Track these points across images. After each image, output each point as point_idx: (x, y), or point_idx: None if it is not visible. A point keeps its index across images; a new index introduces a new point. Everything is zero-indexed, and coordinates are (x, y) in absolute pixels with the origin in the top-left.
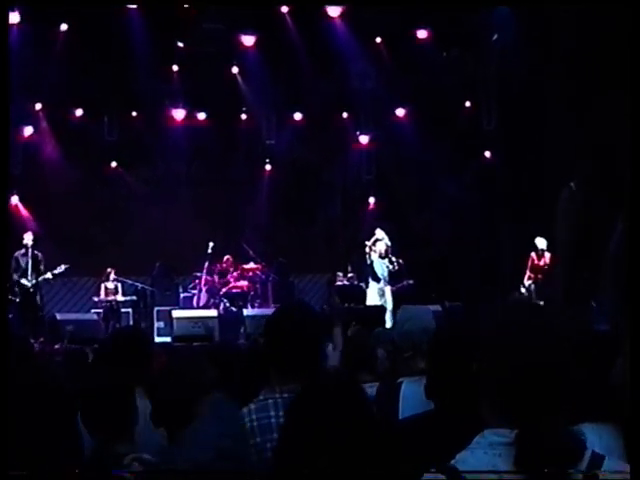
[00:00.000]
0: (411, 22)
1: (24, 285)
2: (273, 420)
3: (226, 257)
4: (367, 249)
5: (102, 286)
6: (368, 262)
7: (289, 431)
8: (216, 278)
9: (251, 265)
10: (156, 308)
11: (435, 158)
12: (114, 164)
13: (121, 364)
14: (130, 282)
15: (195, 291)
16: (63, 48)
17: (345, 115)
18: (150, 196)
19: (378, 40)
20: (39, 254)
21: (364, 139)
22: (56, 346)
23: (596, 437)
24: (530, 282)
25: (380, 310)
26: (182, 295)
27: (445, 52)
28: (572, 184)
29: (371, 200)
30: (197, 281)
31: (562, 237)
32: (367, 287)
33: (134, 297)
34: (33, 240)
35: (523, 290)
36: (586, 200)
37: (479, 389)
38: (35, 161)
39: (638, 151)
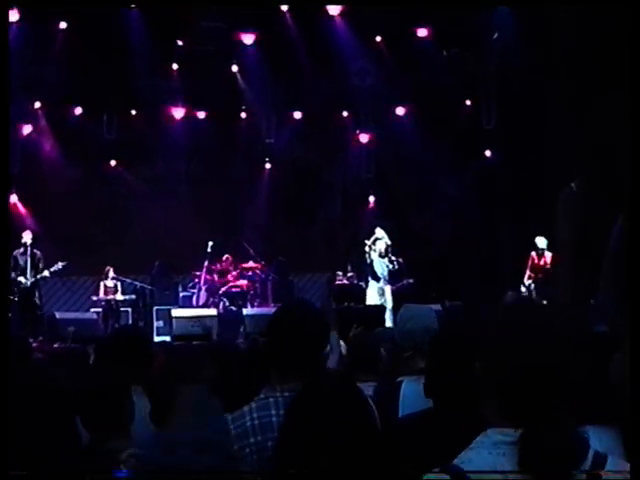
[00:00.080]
0: (411, 21)
1: (22, 284)
2: (274, 419)
3: (225, 256)
4: (367, 248)
5: (101, 285)
6: (368, 261)
7: (289, 430)
8: (216, 277)
9: (250, 264)
10: (155, 307)
11: (435, 157)
12: (113, 163)
13: (121, 363)
14: (129, 281)
15: (194, 290)
16: (62, 46)
17: (345, 114)
18: (149, 195)
19: (378, 39)
20: (38, 253)
21: (364, 138)
22: (55, 345)
23: (596, 440)
24: (530, 282)
25: (380, 309)
26: (181, 294)
27: (445, 51)
28: (573, 185)
29: (371, 199)
30: (196, 280)
31: (563, 237)
32: (367, 286)
33: (133, 296)
34: (32, 239)
35: (523, 289)
36: (586, 200)
37: (480, 389)
38: (34, 159)
39: (638, 151)
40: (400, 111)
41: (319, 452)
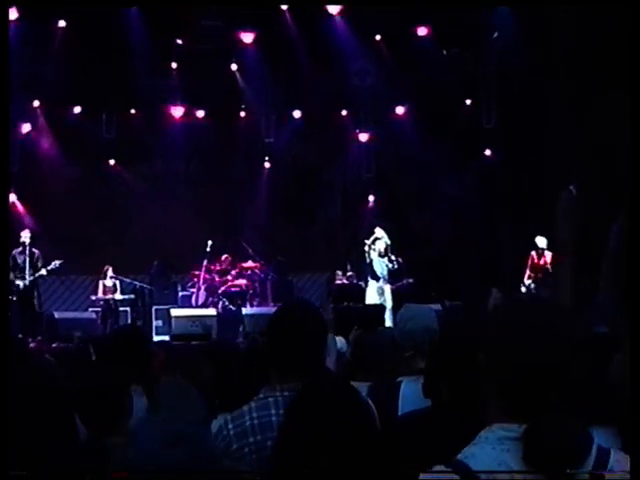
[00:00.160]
0: (411, 20)
1: (20, 283)
2: (274, 418)
3: (225, 256)
4: (366, 248)
5: (100, 284)
6: (367, 261)
7: (289, 430)
8: (215, 277)
9: (250, 263)
10: (154, 307)
11: (435, 156)
12: (112, 162)
13: (121, 362)
14: (128, 280)
15: (194, 290)
16: (61, 45)
17: (345, 113)
18: (149, 194)
19: (378, 38)
20: (36, 252)
21: (364, 137)
22: (54, 345)
23: (596, 440)
24: (530, 281)
25: (379, 309)
26: (180, 294)
27: (445, 50)
28: (572, 187)
29: (371, 198)
30: (196, 279)
31: (562, 237)
32: (366, 286)
33: (132, 295)
34: (30, 238)
35: (523, 289)
36: (586, 200)
37: (481, 387)
38: (33, 158)
39: (638, 151)
40: (400, 111)
41: (319, 452)
